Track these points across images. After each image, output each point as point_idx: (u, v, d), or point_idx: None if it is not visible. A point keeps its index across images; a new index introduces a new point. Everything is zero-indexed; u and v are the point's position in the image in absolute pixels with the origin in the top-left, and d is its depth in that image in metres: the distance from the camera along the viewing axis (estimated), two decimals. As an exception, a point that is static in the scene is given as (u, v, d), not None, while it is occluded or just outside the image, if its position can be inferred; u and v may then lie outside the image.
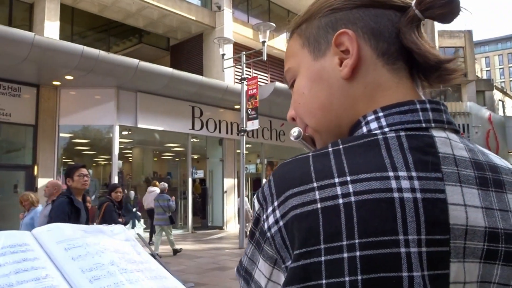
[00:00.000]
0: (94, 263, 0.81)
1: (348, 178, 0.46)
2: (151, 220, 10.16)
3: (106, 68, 9.18)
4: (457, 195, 0.47)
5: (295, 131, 0.62)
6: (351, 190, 0.45)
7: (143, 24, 13.60)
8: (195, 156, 13.15)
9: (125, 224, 5.40)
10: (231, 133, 12.79)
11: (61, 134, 10.14)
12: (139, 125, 10.65)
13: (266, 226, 0.49)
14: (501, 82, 62.69)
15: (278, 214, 0.47)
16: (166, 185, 9.23)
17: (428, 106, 0.52)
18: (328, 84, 0.57)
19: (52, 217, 3.32)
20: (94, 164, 12.09)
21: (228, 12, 13.63)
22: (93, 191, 10.44)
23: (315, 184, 0.47)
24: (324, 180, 0.46)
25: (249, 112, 9.67)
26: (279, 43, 15.53)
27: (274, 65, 16.07)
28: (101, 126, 10.62)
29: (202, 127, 12.06)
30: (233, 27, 13.73)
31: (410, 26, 0.56)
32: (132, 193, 12.29)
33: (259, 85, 10.76)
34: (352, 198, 0.45)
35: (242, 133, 9.51)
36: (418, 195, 0.44)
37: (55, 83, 9.74)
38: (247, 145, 11.32)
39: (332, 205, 0.45)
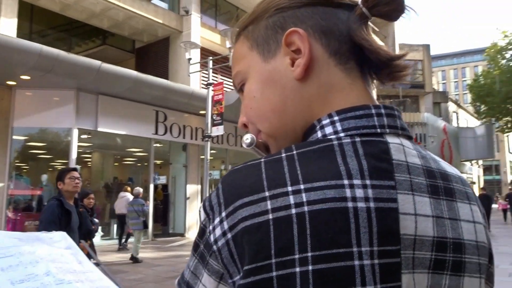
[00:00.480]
0: (27, 274, 0.75)
1: (302, 187, 0.44)
2: (122, 226, 10.12)
3: (66, 68, 8.83)
4: (409, 204, 0.46)
5: (247, 138, 0.58)
6: (304, 199, 0.43)
7: (107, 25, 13.23)
8: (158, 162, 12.89)
9: (95, 231, 5.28)
10: (196, 139, 12.64)
11: (14, 137, 9.63)
12: (100, 129, 10.31)
13: (212, 239, 0.46)
14: (455, 94, 65.86)
15: (226, 225, 0.45)
16: (141, 190, 9.23)
17: (383, 111, 0.51)
18: (281, 86, 0.54)
19: (42, 221, 3.28)
20: (50, 169, 11.56)
21: (196, 17, 13.52)
22: (47, 197, 9.95)
23: (267, 193, 0.44)
24: (276, 189, 0.44)
25: (214, 117, 9.58)
26: (246, 50, 15.55)
27: (241, 71, 16.08)
28: (58, 129, 10.18)
29: (166, 132, 11.84)
30: (200, 32, 13.63)
31: (359, 24, 0.55)
32: (91, 198, 11.83)
33: (225, 91, 10.70)
34: (306, 208, 0.43)
35: (206, 139, 9.41)
36: (372, 204, 0.43)
37: (9, 82, 9.25)
38: (212, 151, 11.21)
39: (284, 216, 0.43)
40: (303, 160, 0.46)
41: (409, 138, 0.52)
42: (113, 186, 12.71)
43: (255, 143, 0.58)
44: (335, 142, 0.48)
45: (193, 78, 12.66)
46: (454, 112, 34.18)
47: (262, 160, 0.48)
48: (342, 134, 0.49)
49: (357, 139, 0.48)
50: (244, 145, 0.58)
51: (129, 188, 10.23)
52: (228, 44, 9.08)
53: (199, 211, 0.49)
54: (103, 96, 10.35)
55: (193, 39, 12.59)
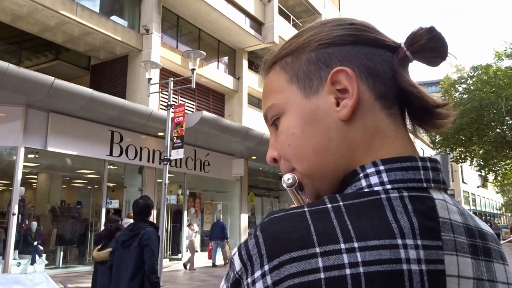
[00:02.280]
0: None
1: (356, 245, 0.43)
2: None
3: (15, 83, 8.51)
4: (453, 266, 0.47)
5: (289, 178, 0.58)
6: (359, 260, 0.43)
7: (62, 39, 12.95)
8: (111, 185, 12.50)
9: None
10: (153, 161, 12.42)
11: (-48, 154, 9.06)
12: (49, 148, 9.92)
13: None
14: (411, 124, 68.73)
15: (269, 280, 0.43)
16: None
17: (428, 164, 0.52)
18: (324, 126, 0.54)
19: (152, 248, 3.88)
20: (-10, 190, 10.92)
21: (156, 36, 13.54)
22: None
23: (317, 250, 0.43)
24: (328, 245, 0.43)
25: (174, 140, 9.51)
26: (208, 72, 15.69)
27: (202, 93, 16.14)
28: (2, 147, 9.69)
29: (121, 154, 11.57)
30: (161, 51, 13.62)
31: (402, 67, 0.56)
32: (35, 224, 11.23)
33: (186, 113, 10.68)
34: (361, 269, 0.42)
35: (165, 162, 9.28)
36: (423, 266, 0.44)
37: (-50, 95, 8.77)
38: (169, 175, 11.05)
39: (337, 276, 0.42)
40: (351, 213, 0.46)
41: (446, 191, 0.53)
42: (61, 210, 12.15)
43: (297, 184, 0.58)
44: (383, 196, 0.48)
45: (152, 99, 12.54)
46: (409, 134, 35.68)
47: (306, 209, 0.47)
48: (388, 187, 0.49)
49: (405, 193, 0.48)
50: (284, 185, 0.58)
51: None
52: (191, 66, 9.15)
53: (232, 259, 0.48)
54: (54, 114, 10.02)
55: (153, 59, 12.56)
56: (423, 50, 0.55)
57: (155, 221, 12.54)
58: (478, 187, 34.81)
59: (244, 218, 16.66)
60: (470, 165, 27.49)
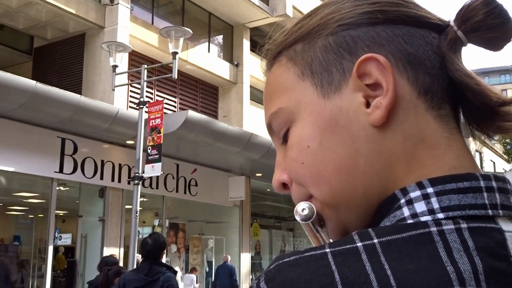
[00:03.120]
0: None
1: None
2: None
3: None
4: None
5: (304, 208, 0.58)
6: None
7: (-6, 13, 13.07)
8: (61, 213, 12.52)
9: None
10: (119, 181, 12.45)
11: None
12: (-24, 163, 9.96)
13: None
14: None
15: None
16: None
17: (494, 184, 0.51)
18: (350, 134, 0.55)
19: None
20: None
21: (124, 8, 13.65)
22: None
23: None
24: None
25: (149, 151, 9.53)
26: (196, 56, 15.77)
27: (187, 86, 16.21)
28: None
29: (75, 170, 11.60)
30: (130, 29, 13.72)
31: (453, 52, 0.56)
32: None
33: (165, 113, 10.72)
34: None
35: (136, 181, 9.29)
36: None
37: None
38: (142, 199, 11.06)
39: None
40: (390, 254, 0.46)
41: None
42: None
43: (315, 216, 0.57)
44: (434, 229, 0.47)
45: (119, 94, 12.61)
46: (477, 151, 35.76)
47: (328, 250, 0.48)
48: (440, 216, 0.49)
49: (463, 225, 0.48)
50: (297, 218, 0.58)
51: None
52: (171, 48, 9.19)
53: None
54: (-17, 115, 10.07)
55: (120, 39, 12.64)
56: (479, 29, 0.55)
57: (121, 262, 12.54)
58: None
59: (246, 259, 16.61)
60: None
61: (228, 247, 16.46)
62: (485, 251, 0.46)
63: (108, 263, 6.59)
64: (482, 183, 0.51)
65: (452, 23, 0.57)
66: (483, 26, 0.55)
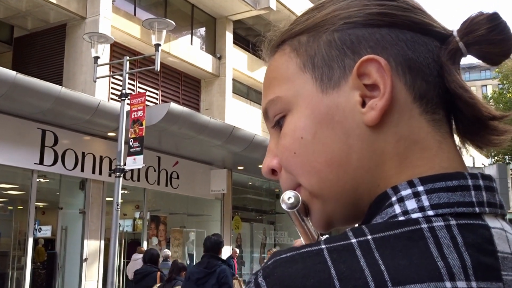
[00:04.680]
0: None
1: None
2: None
3: None
4: None
5: (290, 196, 0.60)
6: None
7: (-27, 1, 12.88)
8: (41, 205, 12.43)
9: None
10: (100, 173, 12.39)
11: None
12: (-45, 154, 9.85)
13: None
14: (458, 123, 69.71)
15: None
16: (169, 252, 10.70)
17: (481, 183, 0.54)
18: (344, 130, 0.57)
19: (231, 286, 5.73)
20: None
21: (106, -1, 13.53)
22: None
23: None
24: None
25: (131, 143, 9.50)
26: (178, 49, 15.70)
27: (170, 78, 16.14)
28: None
29: (55, 162, 11.51)
30: (112, 20, 13.62)
31: (452, 63, 0.58)
32: None
33: (147, 105, 10.69)
34: None
35: (117, 174, 9.26)
36: None
37: None
38: (123, 191, 11.03)
39: None
40: (384, 250, 0.48)
41: (503, 216, 0.56)
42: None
43: (300, 205, 0.59)
44: (424, 226, 0.50)
45: (100, 86, 12.52)
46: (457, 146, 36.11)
47: (323, 246, 0.49)
48: (430, 213, 0.51)
49: (452, 221, 0.50)
50: (283, 206, 0.60)
51: (143, 249, 11.60)
52: (154, 40, 9.17)
53: None
54: (-38, 105, 9.96)
55: (102, 30, 12.55)
56: (481, 43, 0.58)
57: (101, 257, 12.50)
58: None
59: (227, 252, 16.65)
60: (538, 179, 27.78)
61: (209, 240, 16.47)
62: (473, 247, 0.49)
63: (153, 255, 8.14)
64: (470, 182, 0.53)
65: (455, 34, 0.59)
66: (485, 40, 0.58)
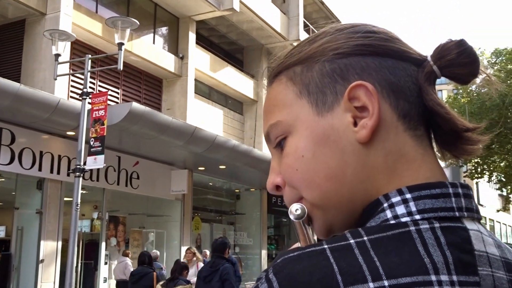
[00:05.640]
0: None
1: (386, 283, 0.52)
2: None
3: None
4: None
5: (297, 208, 0.67)
6: None
7: None
8: (-4, 205, 12.13)
9: None
10: (58, 172, 12.18)
11: None
12: None
13: None
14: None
15: None
16: (158, 252, 11.38)
17: (460, 191, 0.62)
18: (340, 148, 0.64)
19: (232, 282, 6.51)
20: None
21: (67, -5, 13.29)
22: None
23: None
24: (354, 285, 0.52)
25: (92, 142, 9.37)
26: (140, 48, 15.56)
27: (131, 77, 15.99)
28: None
29: (12, 161, 11.26)
30: (73, 17, 13.39)
31: (428, 84, 0.67)
32: None
33: (109, 104, 10.56)
34: None
35: (77, 174, 9.13)
36: None
37: None
38: (81, 191, 10.87)
39: None
40: (378, 249, 0.55)
41: (479, 220, 0.64)
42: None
43: (306, 215, 0.67)
44: (412, 228, 0.57)
45: (60, 84, 12.30)
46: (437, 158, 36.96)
47: (326, 246, 0.56)
48: (417, 217, 0.59)
49: (436, 224, 0.58)
50: (291, 217, 0.67)
51: (128, 251, 12.74)
52: (117, 39, 9.07)
53: None
54: None
55: (62, 27, 12.33)
56: (452, 66, 0.66)
57: (59, 259, 12.28)
58: (498, 211, 36.42)
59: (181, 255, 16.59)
60: (489, 181, 28.71)
61: (169, 240, 16.39)
62: (454, 246, 0.57)
63: (149, 257, 8.78)
64: (450, 190, 0.61)
65: (429, 59, 0.67)
66: (455, 63, 0.66)
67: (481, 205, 48.94)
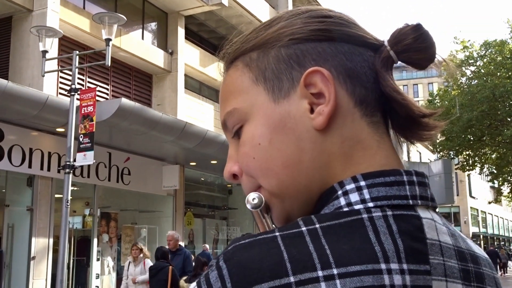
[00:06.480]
0: None
1: (335, 271, 0.52)
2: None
3: None
4: None
5: (254, 197, 0.66)
6: (339, 287, 0.52)
7: None
8: (-13, 203, 12.08)
9: None
10: (48, 169, 12.17)
11: None
12: None
13: None
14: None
15: None
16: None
17: (414, 179, 0.62)
18: (296, 135, 0.64)
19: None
20: None
21: (54, -9, 13.24)
22: None
23: (292, 279, 0.52)
24: (303, 273, 0.52)
25: (81, 139, 9.37)
26: (129, 43, 15.53)
27: (120, 73, 15.95)
28: None
29: (1, 158, 11.24)
30: (61, 13, 13.34)
31: (385, 69, 0.66)
32: None
33: (98, 100, 10.55)
34: None
35: (67, 170, 9.13)
36: None
37: None
38: (72, 188, 10.87)
39: None
40: (329, 236, 0.55)
41: (435, 209, 0.64)
42: None
43: (263, 204, 0.66)
44: (365, 216, 0.57)
45: (49, 80, 12.26)
46: (403, 141, 37.09)
47: (277, 234, 0.55)
48: (370, 205, 0.58)
49: (389, 212, 0.58)
50: (248, 206, 0.66)
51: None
52: (105, 35, 9.06)
53: None
54: None
55: (50, 23, 12.29)
56: (408, 51, 0.66)
57: (50, 255, 12.28)
58: (489, 202, 36.64)
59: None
60: (480, 173, 28.90)
61: (161, 236, 16.37)
62: (406, 234, 0.57)
63: (165, 252, 9.00)
64: (405, 178, 0.61)
65: (386, 44, 0.67)
66: (412, 48, 0.66)
67: (473, 197, 49.18)
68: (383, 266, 0.53)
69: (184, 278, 7.88)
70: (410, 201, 0.60)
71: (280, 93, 0.65)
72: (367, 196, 0.59)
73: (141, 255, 10.38)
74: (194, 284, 0.56)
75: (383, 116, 0.68)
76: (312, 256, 0.53)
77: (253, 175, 0.67)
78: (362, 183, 0.60)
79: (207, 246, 15.96)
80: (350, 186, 0.60)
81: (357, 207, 0.59)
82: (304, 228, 0.56)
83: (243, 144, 0.67)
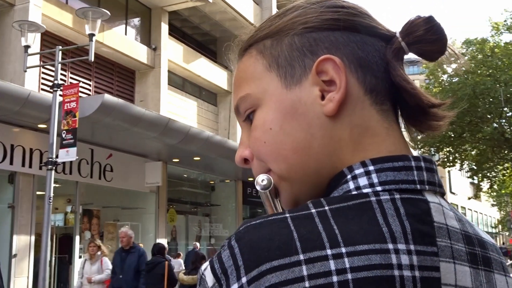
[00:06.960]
0: None
1: (343, 250, 0.54)
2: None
3: None
4: (450, 273, 0.59)
5: (263, 179, 0.68)
6: (347, 266, 0.53)
7: None
8: (-33, 199, 11.93)
9: None
10: (30, 166, 12.04)
11: None
12: None
13: None
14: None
15: None
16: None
17: (422, 164, 0.64)
18: (307, 121, 0.66)
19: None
20: None
21: (35, -15, 13.09)
22: None
23: (301, 257, 0.53)
24: (313, 252, 0.53)
25: (64, 135, 9.29)
26: (112, 39, 15.43)
27: (103, 69, 15.84)
28: None
29: (-18, 154, 11.11)
30: (43, 8, 13.20)
31: (396, 60, 0.68)
32: None
33: (80, 96, 10.48)
34: (349, 276, 0.52)
35: (49, 167, 9.06)
36: (417, 273, 0.55)
37: None
38: (54, 185, 10.79)
39: (324, 284, 0.52)
40: (338, 218, 0.56)
41: (443, 195, 0.65)
42: None
43: (272, 187, 0.68)
44: (373, 199, 0.59)
45: (31, 76, 12.14)
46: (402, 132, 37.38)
47: (288, 215, 0.57)
48: (379, 188, 0.60)
49: (397, 195, 0.59)
50: (258, 187, 0.68)
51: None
52: (88, 30, 8.99)
53: (202, 275, 0.57)
54: None
55: (32, 18, 12.15)
56: (419, 42, 0.68)
57: (32, 253, 12.18)
58: (469, 198, 37.11)
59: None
60: (460, 169, 29.26)
61: (144, 233, 16.35)
62: (413, 217, 0.58)
63: (161, 248, 9.41)
64: (413, 163, 0.63)
65: (397, 35, 0.69)
66: (423, 40, 0.68)
67: (453, 193, 49.73)
68: (390, 246, 0.55)
69: (183, 271, 8.13)
70: (418, 186, 0.61)
71: (292, 80, 0.67)
72: (375, 180, 0.61)
73: (99, 252, 9.58)
74: (206, 263, 0.58)
75: (392, 105, 0.69)
76: (321, 235, 0.54)
77: (264, 159, 0.68)
78: (371, 167, 0.62)
79: (198, 244, 16.12)
80: (359, 171, 0.62)
81: (365, 190, 0.60)
82: (313, 210, 0.57)
83: (255, 129, 0.69)
